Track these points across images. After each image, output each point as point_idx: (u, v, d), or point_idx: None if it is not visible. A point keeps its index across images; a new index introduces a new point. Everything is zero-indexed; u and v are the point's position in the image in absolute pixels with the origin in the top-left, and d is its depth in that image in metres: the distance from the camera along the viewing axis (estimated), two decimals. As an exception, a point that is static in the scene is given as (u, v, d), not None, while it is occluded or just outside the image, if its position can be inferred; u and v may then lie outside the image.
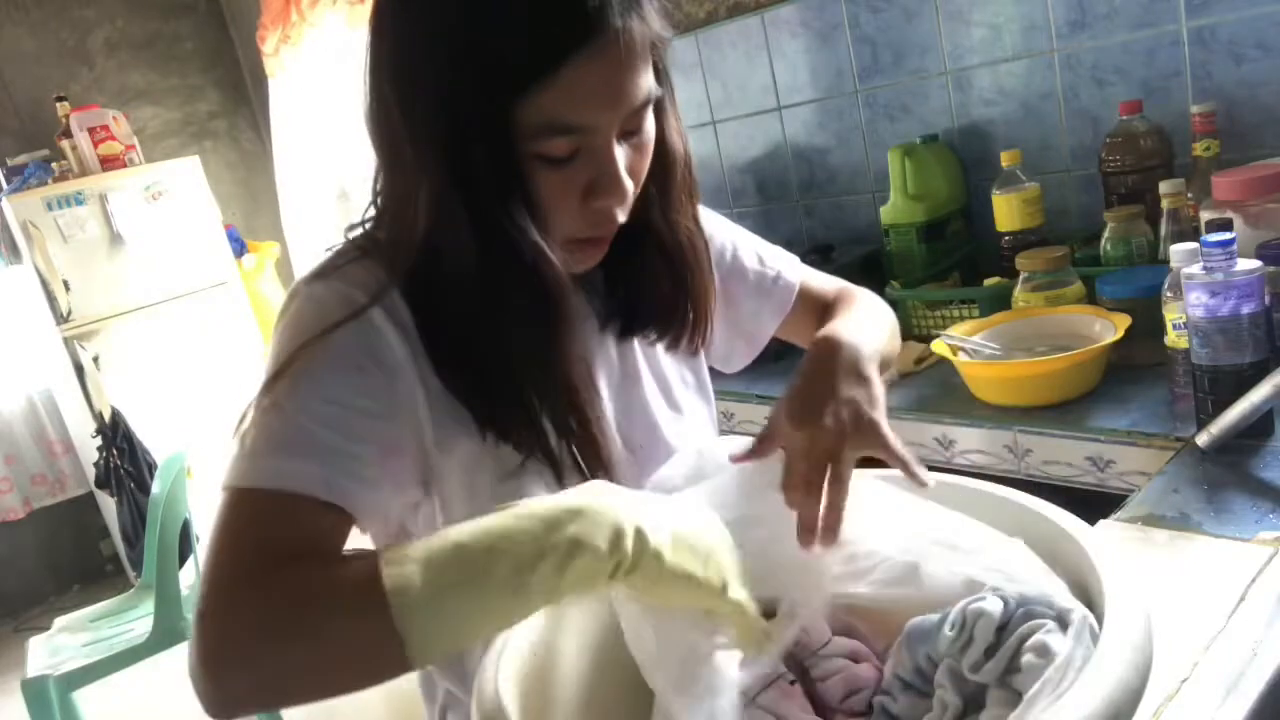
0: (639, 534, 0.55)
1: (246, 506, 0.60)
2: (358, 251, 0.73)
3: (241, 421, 0.64)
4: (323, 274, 0.71)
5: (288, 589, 0.54)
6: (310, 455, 0.61)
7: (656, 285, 0.80)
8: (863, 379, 0.71)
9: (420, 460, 0.71)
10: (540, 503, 0.56)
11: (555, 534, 0.53)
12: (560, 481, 0.73)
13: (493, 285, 0.67)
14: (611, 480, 0.69)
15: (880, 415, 0.69)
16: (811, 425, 0.67)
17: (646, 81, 0.65)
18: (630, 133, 0.67)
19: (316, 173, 3.58)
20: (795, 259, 1.00)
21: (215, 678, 0.53)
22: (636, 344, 0.85)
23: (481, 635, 0.55)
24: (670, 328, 0.83)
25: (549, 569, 0.53)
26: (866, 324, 0.80)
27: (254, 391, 0.66)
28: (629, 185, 0.67)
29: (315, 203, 3.63)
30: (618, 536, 0.54)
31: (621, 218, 0.69)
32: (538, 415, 0.71)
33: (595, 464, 0.73)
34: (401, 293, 0.70)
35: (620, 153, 0.66)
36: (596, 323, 0.82)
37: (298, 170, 3.67)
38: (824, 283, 1.00)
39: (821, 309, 0.95)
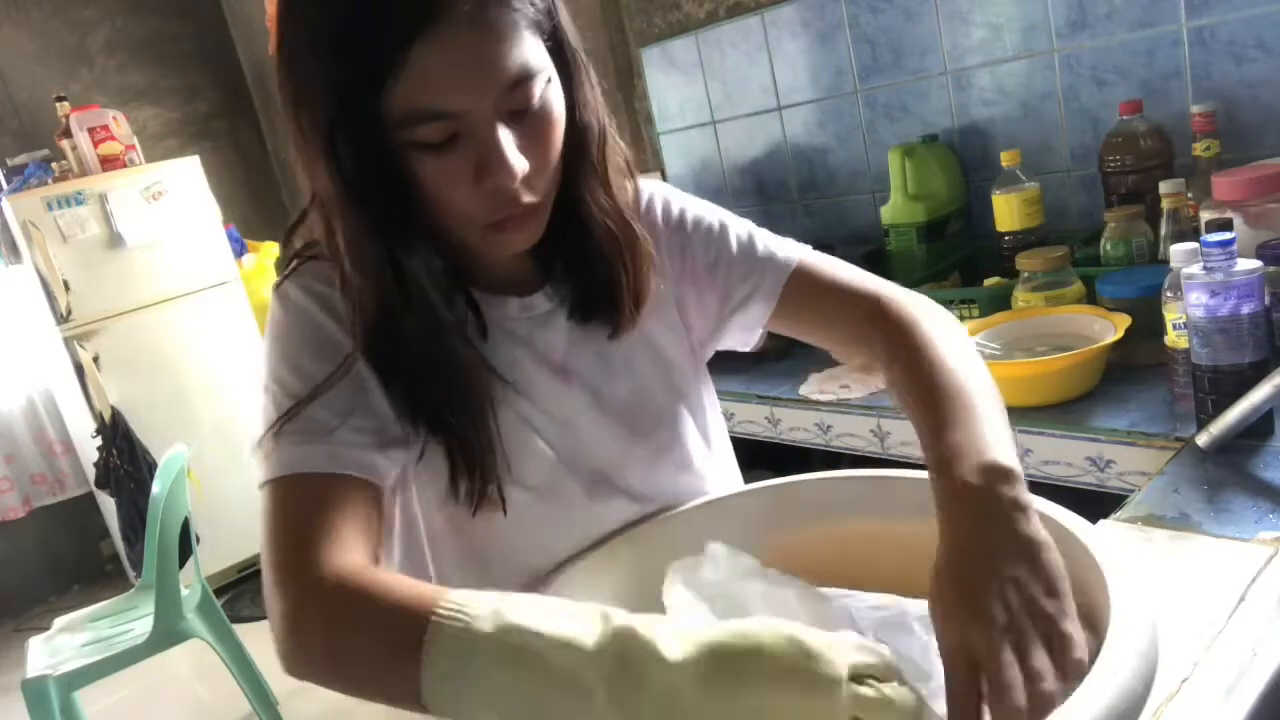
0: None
1: (276, 497, 0.67)
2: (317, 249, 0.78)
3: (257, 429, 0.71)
4: (287, 275, 0.76)
5: (342, 628, 0.59)
6: (314, 438, 0.68)
7: (590, 268, 0.79)
8: (1021, 537, 0.54)
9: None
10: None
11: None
12: (453, 464, 0.73)
13: (369, 275, 0.69)
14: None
15: (1063, 594, 0.52)
16: (970, 627, 0.51)
17: (516, 57, 0.64)
18: (519, 111, 0.66)
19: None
20: (805, 246, 0.89)
21: (289, 664, 0.61)
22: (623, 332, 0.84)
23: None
24: (608, 313, 0.81)
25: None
26: (979, 396, 0.66)
27: (257, 393, 0.73)
28: (518, 164, 0.66)
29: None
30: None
31: (528, 197, 0.69)
32: (430, 400, 0.73)
33: (484, 459, 0.73)
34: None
35: (508, 132, 0.65)
36: (564, 313, 0.81)
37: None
38: (847, 273, 0.86)
39: (854, 311, 0.84)
